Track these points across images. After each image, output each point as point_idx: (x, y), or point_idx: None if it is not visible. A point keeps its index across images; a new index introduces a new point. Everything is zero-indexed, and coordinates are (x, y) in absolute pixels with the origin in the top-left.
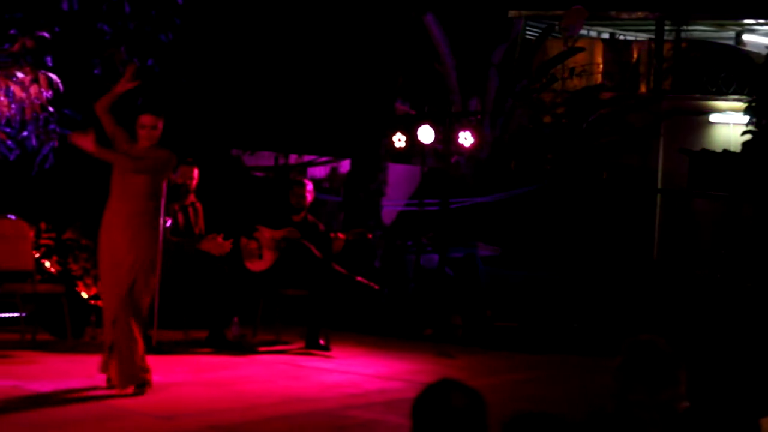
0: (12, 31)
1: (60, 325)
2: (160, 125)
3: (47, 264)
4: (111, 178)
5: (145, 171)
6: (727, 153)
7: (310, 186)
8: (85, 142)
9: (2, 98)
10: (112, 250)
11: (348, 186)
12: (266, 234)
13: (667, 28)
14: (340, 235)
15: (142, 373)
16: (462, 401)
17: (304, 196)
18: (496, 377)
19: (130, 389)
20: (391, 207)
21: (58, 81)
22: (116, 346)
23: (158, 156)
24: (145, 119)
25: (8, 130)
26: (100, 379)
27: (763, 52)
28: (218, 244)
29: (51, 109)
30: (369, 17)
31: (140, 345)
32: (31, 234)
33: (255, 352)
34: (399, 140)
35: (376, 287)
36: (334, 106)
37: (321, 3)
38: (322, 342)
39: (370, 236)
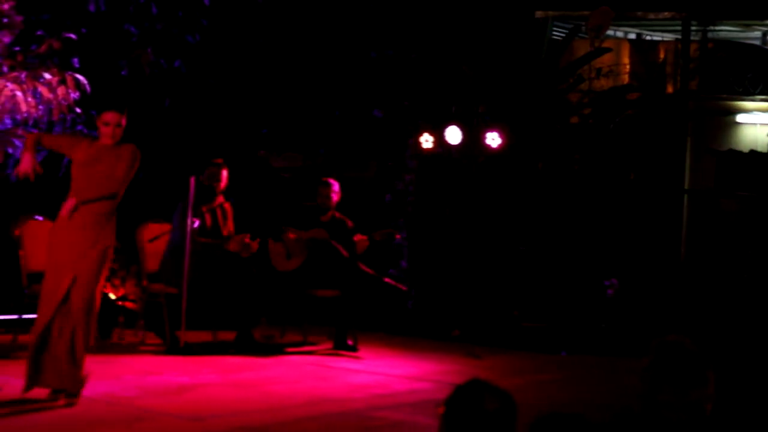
0: (39, 33)
1: None
2: (124, 122)
3: None
4: (71, 175)
5: (124, 182)
6: (754, 153)
7: (336, 186)
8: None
9: (30, 99)
10: (65, 247)
11: (375, 186)
12: (294, 235)
13: (693, 28)
14: (363, 237)
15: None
16: (494, 404)
17: (329, 197)
18: (522, 378)
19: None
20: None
21: (86, 82)
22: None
23: (126, 158)
24: (109, 116)
25: (36, 131)
26: (128, 381)
27: None
28: (245, 245)
29: (78, 110)
30: (397, 16)
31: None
32: None
33: (283, 352)
34: (426, 141)
35: (404, 288)
36: (361, 107)
37: (349, 3)
38: (350, 342)
39: (398, 237)
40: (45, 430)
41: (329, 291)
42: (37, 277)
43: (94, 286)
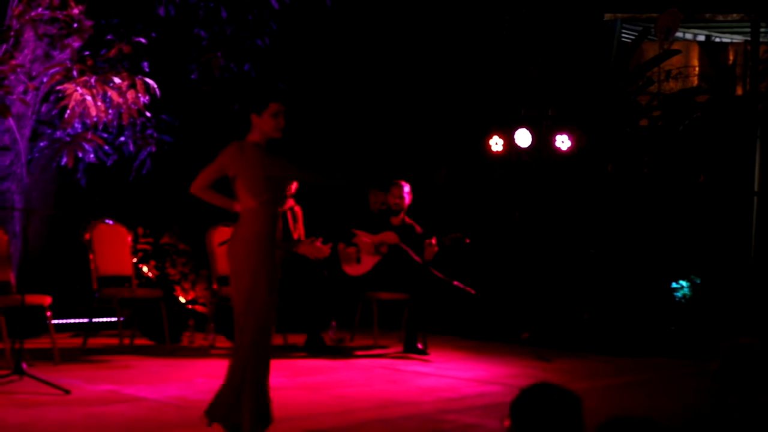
0: (109, 37)
1: (158, 329)
2: None
3: (145, 269)
4: (253, 184)
5: None
6: None
7: (407, 187)
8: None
9: (99, 103)
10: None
11: (444, 190)
12: (364, 239)
13: (762, 29)
14: (432, 241)
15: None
16: (561, 404)
17: (402, 197)
18: (592, 381)
19: None
20: None
21: (155, 86)
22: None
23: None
24: (278, 106)
25: (106, 135)
26: (199, 384)
27: None
28: (317, 248)
29: (148, 114)
30: (465, 18)
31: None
32: (129, 239)
33: (353, 356)
34: (496, 144)
35: (473, 292)
36: (432, 111)
37: (417, 7)
38: (420, 346)
39: (467, 241)
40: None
41: (399, 294)
42: (106, 280)
43: None
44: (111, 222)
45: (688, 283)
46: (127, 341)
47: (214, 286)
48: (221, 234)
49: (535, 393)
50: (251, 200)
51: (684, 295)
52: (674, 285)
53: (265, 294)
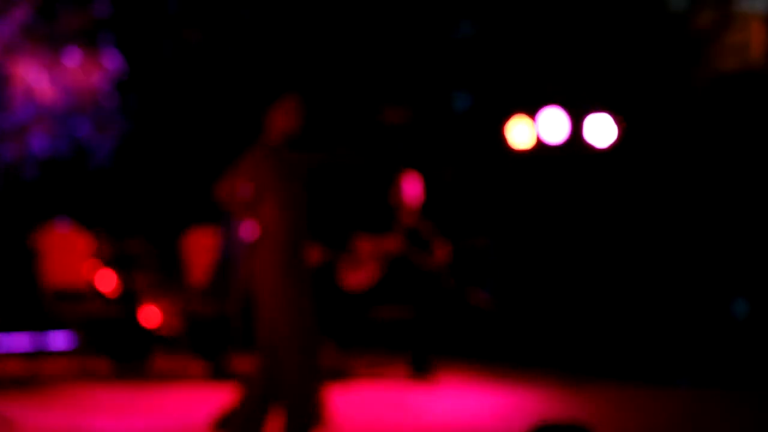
0: (63, 6)
1: (122, 350)
2: None
3: (105, 280)
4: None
5: None
6: None
7: (415, 183)
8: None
9: (51, 86)
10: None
11: (455, 189)
12: (366, 246)
13: None
14: (438, 251)
15: None
16: None
17: (410, 195)
18: (632, 413)
19: None
20: None
21: (120, 65)
22: None
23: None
24: (295, 99)
25: (61, 123)
26: (171, 413)
27: None
28: (315, 253)
29: (107, 100)
30: None
31: None
32: (87, 245)
33: (352, 382)
34: (518, 133)
35: (492, 308)
36: (440, 95)
37: None
38: (429, 370)
39: (485, 245)
40: None
41: (405, 310)
42: (59, 294)
43: None
44: (66, 224)
45: (753, 302)
46: (85, 364)
47: (188, 300)
48: (198, 238)
49: None
50: (270, 206)
51: (747, 316)
52: (735, 303)
53: (296, 308)
